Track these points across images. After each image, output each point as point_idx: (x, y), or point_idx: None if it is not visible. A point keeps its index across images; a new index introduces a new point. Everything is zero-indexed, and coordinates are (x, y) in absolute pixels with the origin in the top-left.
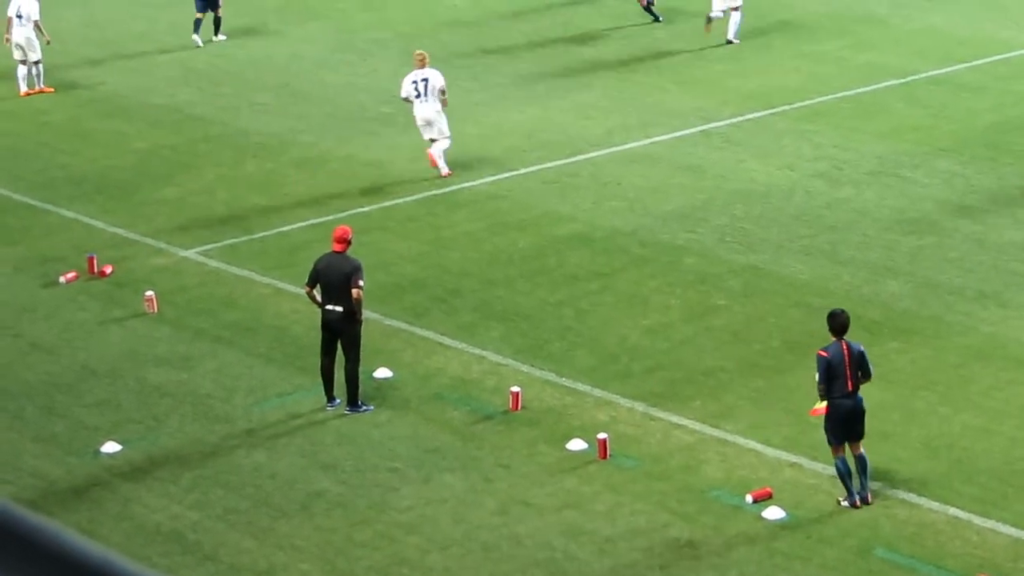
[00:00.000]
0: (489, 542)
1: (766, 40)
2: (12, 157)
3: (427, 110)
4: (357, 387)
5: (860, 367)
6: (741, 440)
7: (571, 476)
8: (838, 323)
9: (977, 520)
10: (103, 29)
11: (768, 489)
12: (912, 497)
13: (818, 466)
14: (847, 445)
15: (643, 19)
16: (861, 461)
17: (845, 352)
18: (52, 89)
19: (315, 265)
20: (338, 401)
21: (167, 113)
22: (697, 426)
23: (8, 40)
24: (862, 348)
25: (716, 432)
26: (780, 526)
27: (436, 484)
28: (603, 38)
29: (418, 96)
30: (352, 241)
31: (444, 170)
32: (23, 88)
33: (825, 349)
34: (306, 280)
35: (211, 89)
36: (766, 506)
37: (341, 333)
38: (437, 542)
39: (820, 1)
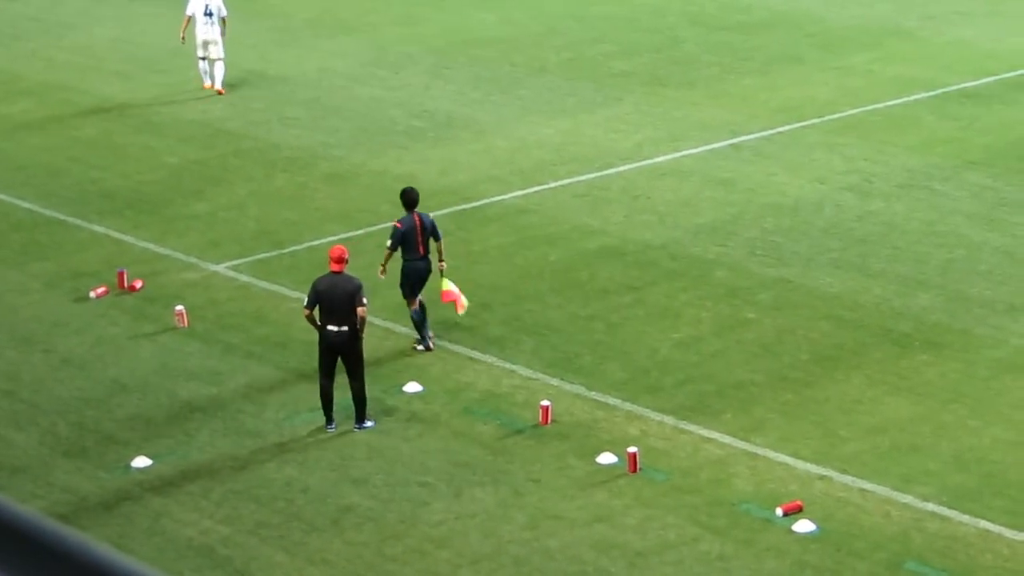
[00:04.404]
0: (520, 556)
1: (796, 53)
2: (43, 172)
3: None
4: (365, 404)
5: (431, 234)
6: (771, 453)
7: (601, 490)
8: (410, 199)
9: (1008, 533)
10: (135, 44)
11: (798, 502)
12: (943, 510)
13: (848, 479)
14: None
15: (671, 32)
16: (423, 308)
17: (417, 223)
18: (224, 91)
19: (314, 287)
20: (335, 424)
21: (198, 128)
22: (727, 439)
23: (183, 38)
24: (432, 218)
25: (746, 445)
26: (810, 539)
27: (466, 498)
28: (633, 52)
29: None
30: (349, 259)
31: None
32: (207, 82)
33: (400, 221)
34: (305, 303)
35: (242, 104)
36: (796, 519)
37: (346, 353)
38: (468, 556)
39: (849, 14)
